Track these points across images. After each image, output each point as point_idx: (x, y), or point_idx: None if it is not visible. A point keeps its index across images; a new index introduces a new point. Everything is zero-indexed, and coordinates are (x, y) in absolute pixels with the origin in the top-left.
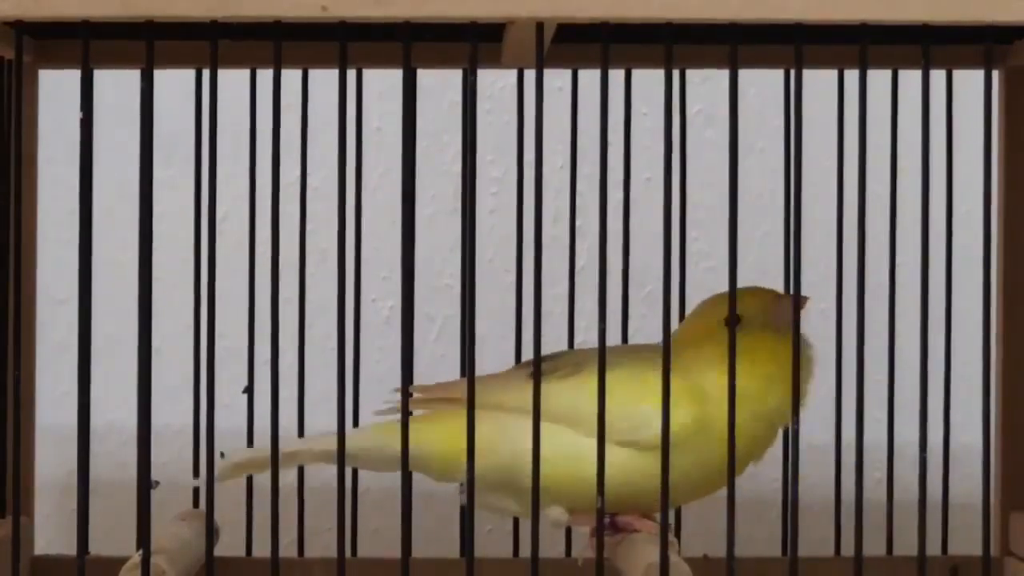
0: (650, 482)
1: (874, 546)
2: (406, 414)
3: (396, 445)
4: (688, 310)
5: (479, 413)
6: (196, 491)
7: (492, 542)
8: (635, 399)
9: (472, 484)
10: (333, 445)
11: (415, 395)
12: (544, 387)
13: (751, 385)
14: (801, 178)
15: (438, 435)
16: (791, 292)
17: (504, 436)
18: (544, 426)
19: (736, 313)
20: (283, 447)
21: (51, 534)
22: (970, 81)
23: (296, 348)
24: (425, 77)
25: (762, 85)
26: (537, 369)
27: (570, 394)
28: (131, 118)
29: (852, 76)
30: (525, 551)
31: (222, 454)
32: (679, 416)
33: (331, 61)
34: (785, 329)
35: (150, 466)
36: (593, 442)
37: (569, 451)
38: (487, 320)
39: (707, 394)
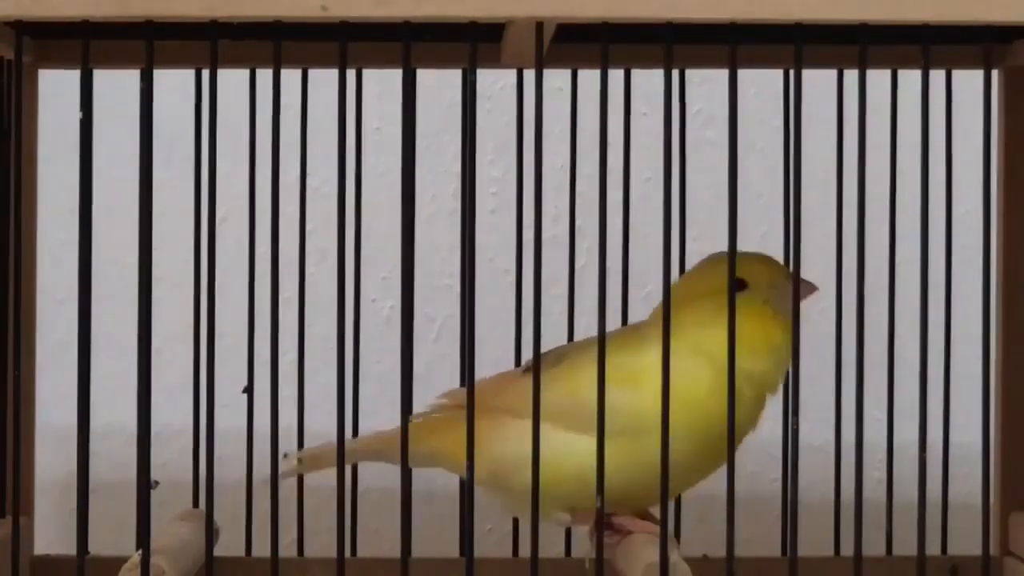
0: (622, 472)
1: (874, 546)
2: (406, 415)
3: (421, 445)
4: None
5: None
6: (196, 491)
7: (492, 542)
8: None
9: (472, 482)
10: (379, 444)
11: (446, 402)
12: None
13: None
14: (801, 178)
15: (453, 436)
16: (791, 292)
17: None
18: (524, 424)
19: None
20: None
21: (51, 534)
22: (970, 81)
23: (296, 348)
24: (425, 77)
25: (762, 85)
26: (536, 370)
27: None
28: (131, 118)
29: (852, 76)
30: (525, 551)
31: (285, 455)
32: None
33: (331, 61)
34: (783, 308)
35: (150, 466)
36: (565, 435)
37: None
38: (487, 320)
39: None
